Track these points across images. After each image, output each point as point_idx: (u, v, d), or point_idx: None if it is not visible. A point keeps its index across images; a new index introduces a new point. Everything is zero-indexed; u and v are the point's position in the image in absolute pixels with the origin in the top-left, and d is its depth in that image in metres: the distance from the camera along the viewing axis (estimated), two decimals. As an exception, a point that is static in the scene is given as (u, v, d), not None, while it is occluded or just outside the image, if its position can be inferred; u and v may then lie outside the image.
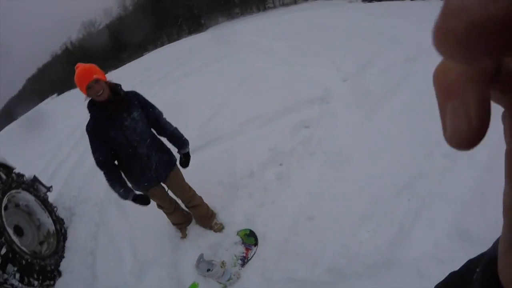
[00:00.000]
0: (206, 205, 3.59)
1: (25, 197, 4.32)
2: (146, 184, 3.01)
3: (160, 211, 3.48)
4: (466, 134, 0.21)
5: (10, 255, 3.38)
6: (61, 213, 4.85)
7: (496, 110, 0.23)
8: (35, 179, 4.73)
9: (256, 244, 3.28)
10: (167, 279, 3.29)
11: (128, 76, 16.45)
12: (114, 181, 2.79)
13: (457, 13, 0.18)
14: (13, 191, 4.14)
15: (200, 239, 3.52)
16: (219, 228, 3.55)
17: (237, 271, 3.08)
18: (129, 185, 2.95)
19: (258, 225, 3.46)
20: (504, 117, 0.24)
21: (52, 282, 3.79)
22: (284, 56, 9.41)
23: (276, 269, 2.97)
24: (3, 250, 3.32)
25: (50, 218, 4.46)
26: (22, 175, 4.54)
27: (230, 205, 3.84)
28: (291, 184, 3.91)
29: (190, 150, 3.26)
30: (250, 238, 3.34)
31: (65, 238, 4.46)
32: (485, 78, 0.21)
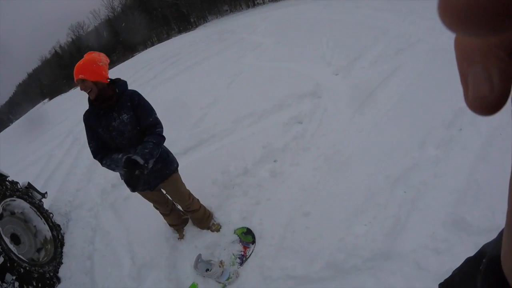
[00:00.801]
0: (204, 207, 3.58)
1: (20, 205, 4.29)
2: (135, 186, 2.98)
3: (157, 213, 3.48)
4: (488, 100, 0.21)
5: (8, 264, 3.36)
6: (57, 219, 4.82)
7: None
8: (29, 186, 4.70)
9: (253, 242, 3.29)
10: (166, 281, 3.29)
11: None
12: (110, 164, 2.72)
13: None
14: (8, 199, 4.12)
15: (197, 240, 3.51)
16: (217, 229, 3.56)
17: (236, 270, 3.09)
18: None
19: (254, 222, 3.47)
20: None
21: (51, 289, 3.78)
22: (273, 52, 9.41)
23: (275, 267, 2.98)
24: (1, 260, 3.31)
25: (46, 225, 4.43)
26: (16, 183, 4.51)
27: (226, 203, 3.85)
28: (286, 180, 3.92)
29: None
30: (247, 236, 3.34)
31: (62, 244, 4.45)
32: (506, 47, 0.21)
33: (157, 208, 3.41)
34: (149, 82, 12.00)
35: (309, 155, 4.18)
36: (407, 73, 5.06)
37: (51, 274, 3.89)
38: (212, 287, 3.04)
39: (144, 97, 2.80)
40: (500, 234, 0.32)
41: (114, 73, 2.86)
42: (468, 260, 0.50)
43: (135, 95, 2.76)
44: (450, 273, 0.58)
